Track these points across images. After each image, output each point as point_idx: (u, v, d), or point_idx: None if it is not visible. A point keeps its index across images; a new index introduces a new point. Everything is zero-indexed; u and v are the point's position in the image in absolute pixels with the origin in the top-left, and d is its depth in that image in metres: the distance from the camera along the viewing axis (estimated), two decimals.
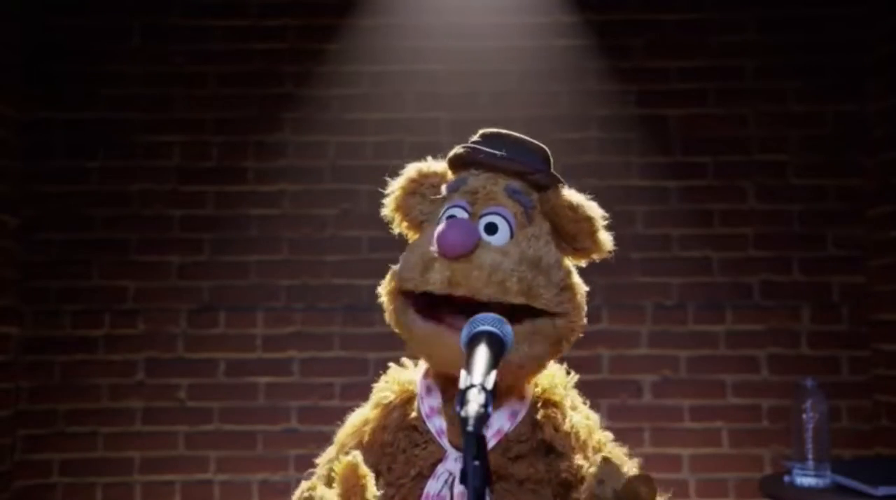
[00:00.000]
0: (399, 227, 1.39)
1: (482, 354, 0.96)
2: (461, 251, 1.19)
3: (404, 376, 1.38)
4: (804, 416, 2.33)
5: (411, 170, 1.38)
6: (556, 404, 1.29)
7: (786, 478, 2.35)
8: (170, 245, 3.07)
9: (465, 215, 1.26)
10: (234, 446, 2.99)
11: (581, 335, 1.32)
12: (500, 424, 1.25)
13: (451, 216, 1.27)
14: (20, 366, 3.00)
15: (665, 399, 3.00)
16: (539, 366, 1.29)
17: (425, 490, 1.23)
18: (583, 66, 3.10)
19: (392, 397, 1.35)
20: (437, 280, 1.20)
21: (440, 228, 1.22)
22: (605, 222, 1.30)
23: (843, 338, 3.00)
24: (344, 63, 3.10)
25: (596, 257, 1.32)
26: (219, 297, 3.06)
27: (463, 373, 0.92)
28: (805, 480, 2.29)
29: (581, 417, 1.30)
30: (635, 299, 3.03)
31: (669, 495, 1.29)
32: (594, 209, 1.29)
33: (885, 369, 2.91)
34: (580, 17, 3.08)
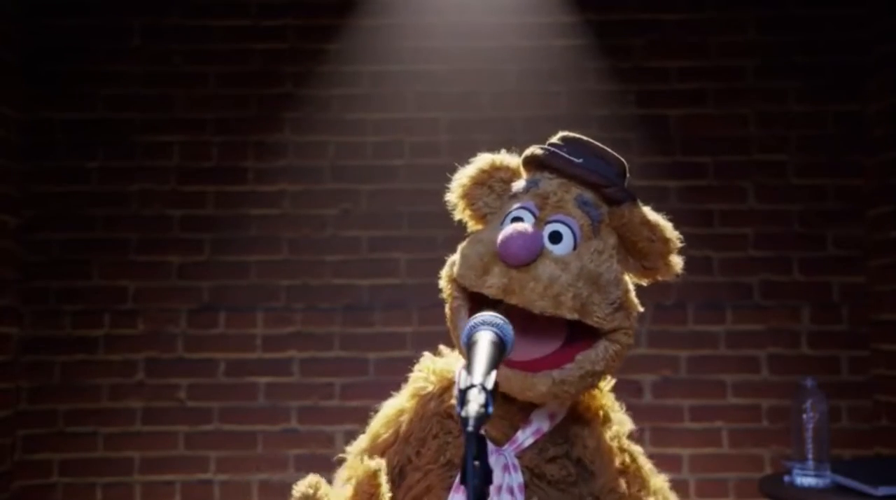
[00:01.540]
0: (461, 214, 1.36)
1: (482, 354, 0.96)
2: (523, 261, 1.17)
3: (440, 365, 1.36)
4: (804, 416, 2.33)
5: (484, 160, 1.35)
6: (588, 422, 1.28)
7: (786, 478, 2.35)
8: (170, 245, 3.07)
9: (532, 219, 1.24)
10: (234, 446, 2.99)
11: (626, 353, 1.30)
12: (540, 424, 1.24)
13: (517, 218, 1.25)
14: (20, 366, 3.00)
15: (665, 399, 3.00)
16: (594, 386, 1.28)
17: (456, 481, 1.21)
18: (583, 66, 3.10)
19: (430, 387, 1.33)
20: (494, 284, 1.18)
21: (506, 231, 1.19)
22: (681, 245, 1.27)
23: (843, 338, 3.01)
24: (344, 63, 3.10)
25: (661, 278, 1.29)
26: (219, 297, 3.06)
27: (463, 373, 0.92)
28: (805, 480, 2.29)
29: (609, 433, 1.29)
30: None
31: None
32: (671, 231, 1.26)
33: (885, 369, 2.91)
34: (580, 17, 3.08)
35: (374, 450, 1.33)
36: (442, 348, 1.41)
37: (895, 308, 2.87)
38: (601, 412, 1.31)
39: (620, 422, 1.33)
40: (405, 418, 1.32)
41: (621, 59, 3.10)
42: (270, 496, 2.94)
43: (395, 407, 1.36)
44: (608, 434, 1.28)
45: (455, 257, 1.29)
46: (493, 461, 1.21)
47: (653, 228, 1.24)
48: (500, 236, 1.19)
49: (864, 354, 2.99)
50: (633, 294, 1.29)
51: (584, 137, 1.32)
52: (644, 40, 3.12)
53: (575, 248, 1.23)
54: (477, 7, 3.12)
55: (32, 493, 2.96)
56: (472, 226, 1.36)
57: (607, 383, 1.35)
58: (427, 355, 1.40)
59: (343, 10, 3.09)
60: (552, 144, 1.32)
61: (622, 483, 1.23)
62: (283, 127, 3.10)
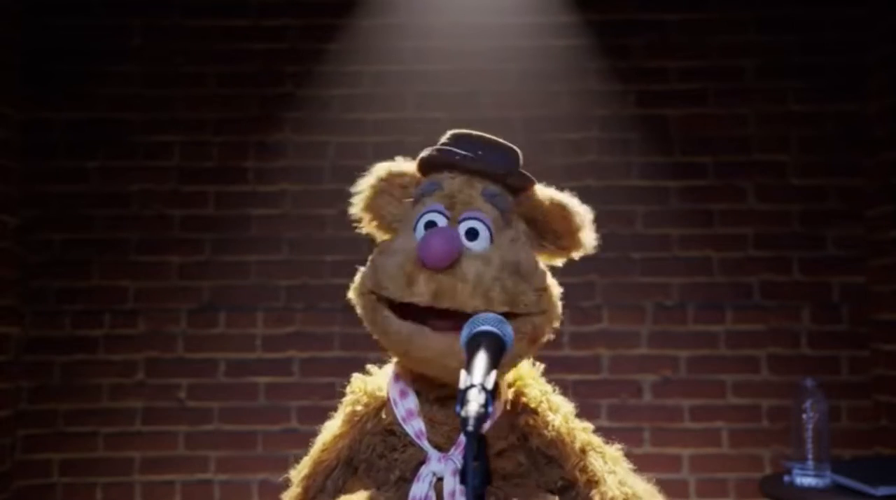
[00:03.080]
0: (368, 227, 1.37)
1: (482, 354, 0.96)
2: (447, 264, 1.17)
3: (371, 385, 1.36)
4: (804, 416, 2.33)
5: (381, 169, 1.36)
6: (535, 411, 1.29)
7: (786, 478, 2.35)
8: (170, 245, 3.07)
9: (445, 221, 1.24)
10: (234, 446, 2.99)
11: (552, 336, 1.30)
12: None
13: (431, 222, 1.25)
14: (20, 366, 3.00)
15: (665, 399, 3.00)
16: (515, 365, 1.29)
17: (410, 494, 1.21)
18: (583, 66, 3.10)
19: (362, 409, 1.33)
20: (422, 292, 1.18)
21: (424, 238, 1.19)
22: (592, 218, 1.30)
23: (843, 338, 3.01)
24: (344, 63, 3.10)
25: (576, 254, 1.31)
26: (219, 297, 3.06)
27: (463, 373, 0.92)
28: (805, 480, 2.29)
29: (560, 418, 1.29)
30: (635, 299, 3.03)
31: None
32: (580, 206, 1.29)
33: (885, 369, 2.91)
34: (580, 17, 3.08)
35: (316, 476, 1.34)
36: (370, 367, 1.41)
37: (895, 308, 2.87)
38: (545, 400, 1.31)
39: (563, 404, 1.34)
40: (344, 443, 1.33)
41: (621, 59, 3.10)
42: (270, 496, 2.94)
43: (333, 432, 1.36)
44: (559, 418, 1.29)
45: (365, 270, 1.28)
46: (443, 467, 1.21)
47: (563, 206, 1.27)
48: (420, 243, 1.19)
49: (864, 354, 2.99)
50: (550, 277, 1.31)
51: (474, 132, 1.32)
52: (644, 40, 3.12)
53: (492, 241, 1.24)
54: (477, 7, 3.12)
55: (32, 493, 2.96)
56: (380, 236, 1.36)
57: (538, 370, 1.36)
58: (357, 375, 1.40)
59: (343, 10, 3.09)
60: (444, 144, 1.32)
61: (591, 461, 1.27)
62: (284, 127, 3.10)
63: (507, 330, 1.05)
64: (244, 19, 3.14)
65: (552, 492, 1.25)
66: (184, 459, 2.99)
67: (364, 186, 1.35)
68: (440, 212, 1.25)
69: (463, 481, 0.85)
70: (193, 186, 3.09)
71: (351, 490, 1.27)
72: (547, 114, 3.06)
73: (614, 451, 1.35)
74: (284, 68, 3.11)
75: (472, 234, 1.23)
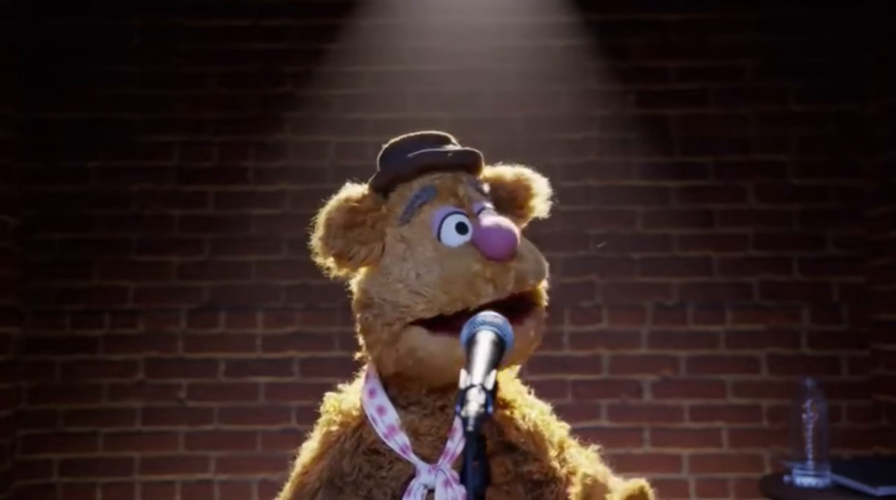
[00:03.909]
0: (343, 269, 1.31)
1: (482, 353, 0.96)
2: (515, 247, 1.18)
3: (345, 404, 1.34)
4: (804, 416, 2.33)
5: (343, 203, 1.30)
6: (509, 404, 1.27)
7: (786, 478, 2.35)
8: (170, 245, 3.07)
9: (466, 219, 1.23)
10: (234, 446, 2.99)
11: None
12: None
13: (461, 224, 1.22)
14: (20, 366, 3.00)
15: (665, 399, 3.00)
16: (521, 360, 1.29)
17: None
18: (583, 66, 3.10)
19: (337, 429, 1.31)
20: (506, 283, 1.16)
21: (485, 235, 1.17)
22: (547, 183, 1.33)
23: (843, 338, 3.01)
24: (344, 63, 3.10)
25: (531, 217, 1.35)
26: (219, 297, 3.06)
27: (463, 373, 0.92)
28: (805, 480, 2.29)
29: (536, 413, 1.29)
30: (635, 299, 3.03)
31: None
32: (534, 173, 1.33)
33: (885, 369, 2.91)
34: (580, 17, 3.08)
35: (300, 499, 1.32)
36: (342, 386, 1.40)
37: (895, 308, 2.87)
38: (519, 396, 1.31)
39: (537, 404, 1.33)
40: (323, 464, 1.29)
41: (621, 59, 3.10)
42: (270, 496, 2.94)
43: (312, 454, 1.34)
44: (535, 412, 1.29)
45: (379, 297, 1.22)
46: (433, 479, 1.20)
47: (518, 175, 1.32)
48: (486, 241, 1.17)
49: (863, 354, 2.99)
50: None
51: (408, 135, 1.33)
52: (644, 40, 3.12)
53: None
54: (477, 7, 3.12)
55: (32, 493, 2.96)
56: (354, 271, 1.31)
57: (513, 371, 1.34)
58: (329, 394, 1.38)
59: (343, 10, 3.09)
60: (393, 151, 1.34)
61: (570, 454, 1.27)
62: (284, 127, 3.10)
63: (508, 330, 1.04)
64: (244, 19, 3.13)
65: (528, 487, 1.23)
66: (184, 459, 2.99)
67: (332, 231, 1.28)
68: (459, 212, 1.23)
69: (463, 481, 0.84)
70: (193, 186, 3.09)
71: None
72: (547, 114, 3.06)
73: (591, 452, 1.32)
74: (284, 68, 3.11)
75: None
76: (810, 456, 2.31)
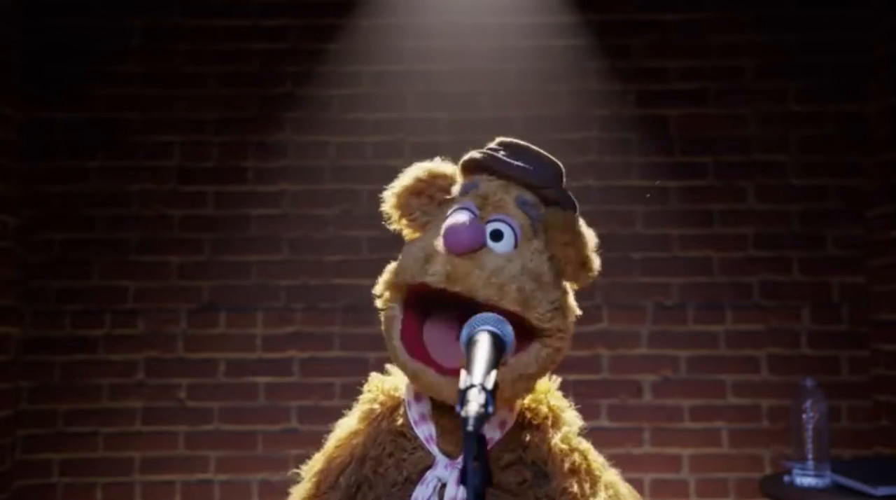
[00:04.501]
0: (398, 224, 1.36)
1: (482, 354, 0.96)
2: (467, 247, 1.17)
3: (388, 384, 1.36)
4: (804, 416, 2.33)
5: (420, 169, 1.34)
6: (537, 427, 1.27)
7: (786, 478, 2.35)
8: (170, 245, 3.07)
9: (473, 217, 1.23)
10: (234, 446, 2.99)
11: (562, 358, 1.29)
12: (491, 433, 1.23)
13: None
14: (20, 366, 3.00)
15: (665, 399, 3.00)
16: (530, 387, 1.27)
17: (413, 496, 1.21)
18: (583, 66, 3.10)
19: (379, 408, 1.33)
20: (437, 272, 1.18)
21: (449, 220, 1.20)
22: (597, 252, 1.27)
23: (843, 338, 3.00)
24: (344, 63, 3.10)
25: (578, 285, 1.29)
26: (219, 297, 3.06)
27: (463, 373, 0.92)
28: (805, 480, 2.29)
29: (559, 437, 1.27)
30: (635, 299, 3.03)
31: None
32: (587, 240, 1.26)
33: (885, 369, 2.91)
34: (580, 17, 3.08)
35: (329, 472, 1.33)
36: (389, 366, 1.40)
37: (895, 308, 2.87)
38: (550, 416, 1.29)
39: (570, 422, 1.31)
40: (359, 440, 1.32)
41: (621, 59, 3.10)
42: (270, 496, 2.94)
43: (348, 429, 1.36)
44: (558, 437, 1.27)
45: (392, 265, 1.29)
46: (448, 474, 1.21)
47: (573, 233, 1.25)
48: (445, 225, 1.19)
49: (863, 354, 2.99)
50: (571, 297, 1.29)
51: (522, 142, 1.32)
52: (644, 40, 3.12)
53: (515, 247, 1.23)
54: (477, 7, 3.12)
55: (32, 493, 2.96)
56: (410, 235, 1.35)
57: (554, 383, 1.34)
58: (374, 375, 1.40)
59: (343, 10, 3.09)
60: (490, 149, 1.33)
61: (574, 483, 1.23)
62: (284, 127, 3.10)
63: (508, 330, 1.04)
64: (244, 19, 3.13)
65: None
66: (184, 459, 2.99)
67: (400, 183, 1.34)
68: (470, 210, 1.24)
69: (463, 481, 0.84)
70: (193, 186, 3.09)
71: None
72: (547, 114, 3.06)
73: (612, 475, 1.30)
74: (284, 68, 3.11)
75: (497, 235, 1.23)
76: (810, 456, 2.31)
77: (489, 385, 0.89)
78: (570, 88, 3.10)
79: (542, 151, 1.32)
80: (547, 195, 1.28)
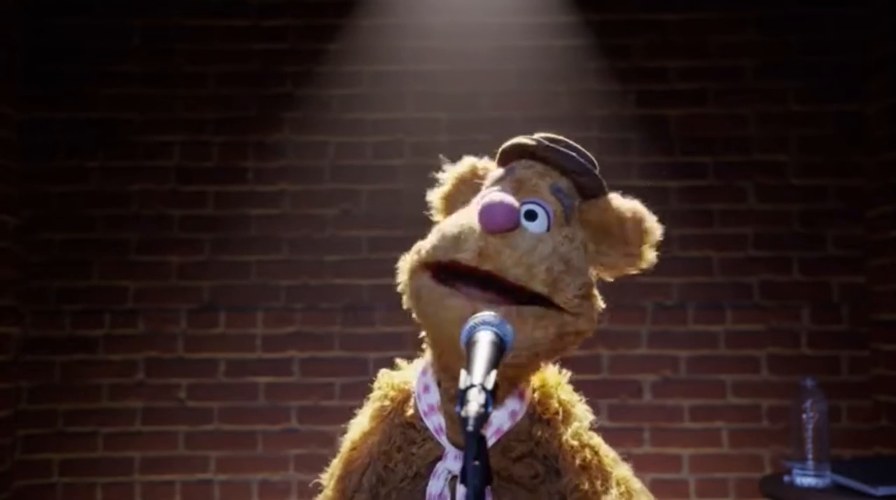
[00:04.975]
0: (440, 215, 1.38)
1: (482, 353, 0.96)
2: (502, 226, 1.17)
3: (398, 378, 1.36)
4: (804, 416, 2.33)
5: (467, 163, 1.38)
6: (548, 422, 1.27)
7: (786, 478, 2.35)
8: (170, 245, 3.07)
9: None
10: (234, 446, 2.99)
11: (579, 342, 1.30)
12: (500, 423, 1.23)
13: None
14: (20, 366, 3.00)
15: (665, 399, 3.00)
16: (536, 356, 1.26)
17: (427, 490, 1.21)
18: (583, 66, 3.10)
19: (389, 404, 1.33)
20: (469, 249, 1.17)
21: (486, 199, 1.20)
22: (659, 236, 1.32)
23: (843, 338, 3.01)
24: (344, 63, 3.10)
25: (633, 270, 1.33)
26: (219, 297, 3.06)
27: (463, 373, 0.92)
28: (805, 480, 2.29)
29: (570, 432, 1.27)
30: (635, 299, 3.03)
31: None
32: (651, 220, 1.32)
33: (885, 369, 2.91)
34: (580, 17, 3.08)
35: (351, 475, 1.32)
36: (398, 361, 1.41)
37: (895, 308, 2.87)
38: (561, 411, 1.29)
39: (581, 417, 1.31)
40: (374, 439, 1.32)
41: (621, 59, 3.10)
42: (270, 496, 2.94)
43: (361, 430, 1.35)
44: (569, 432, 1.27)
45: (422, 243, 1.27)
46: (457, 465, 1.20)
47: (630, 216, 1.29)
48: (481, 205, 1.19)
49: (864, 354, 2.99)
50: (596, 289, 1.31)
51: (560, 136, 1.33)
52: (644, 40, 3.12)
53: (548, 229, 1.24)
54: (477, 7, 3.12)
55: (32, 493, 2.96)
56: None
57: (564, 377, 1.35)
58: (384, 371, 1.39)
59: (343, 10, 3.09)
60: (532, 138, 1.33)
61: (585, 480, 1.22)
62: (283, 127, 3.10)
63: (508, 330, 1.04)
64: (244, 19, 3.14)
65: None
66: (184, 459, 2.99)
67: (450, 173, 1.38)
68: (503, 191, 1.24)
69: (463, 481, 0.85)
70: (193, 186, 3.09)
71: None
72: (547, 114, 3.06)
73: (624, 471, 1.30)
74: (284, 68, 3.12)
75: (532, 215, 1.23)
76: (810, 456, 2.31)
77: (489, 385, 0.89)
78: (570, 88, 3.10)
79: (575, 144, 1.34)
80: (584, 183, 1.30)
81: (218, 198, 3.09)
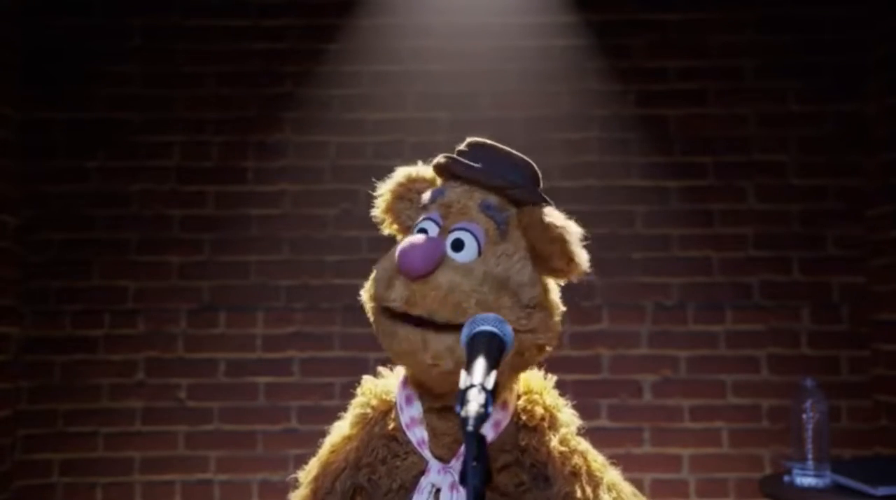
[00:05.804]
0: (389, 228, 1.39)
1: (482, 354, 0.96)
2: (421, 273, 1.18)
3: (381, 387, 1.36)
4: (804, 416, 2.33)
5: (400, 174, 1.36)
6: (534, 429, 1.26)
7: (786, 478, 2.35)
8: (170, 245, 3.07)
9: (437, 229, 1.24)
10: (234, 446, 2.99)
11: (548, 353, 1.28)
12: (486, 433, 1.22)
13: (423, 230, 1.25)
14: (20, 366, 3.00)
15: (665, 399, 3.00)
16: (500, 376, 1.26)
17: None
18: (583, 66, 3.10)
19: (371, 412, 1.33)
20: (396, 298, 1.20)
21: (402, 245, 1.20)
22: (584, 243, 1.23)
23: (843, 338, 3.00)
24: (344, 63, 3.10)
25: (573, 278, 1.25)
26: (219, 297, 3.06)
27: (463, 373, 0.92)
28: (805, 480, 2.29)
29: (557, 439, 1.26)
30: (635, 299, 3.03)
31: None
32: (569, 230, 1.21)
33: (885, 369, 2.91)
34: (580, 17, 3.08)
35: (325, 477, 1.33)
36: (381, 369, 1.41)
37: (895, 308, 2.87)
38: (547, 418, 1.28)
39: (567, 422, 1.30)
40: (352, 445, 1.32)
41: (621, 59, 3.10)
42: (270, 496, 2.94)
43: (342, 434, 1.36)
44: (556, 439, 1.26)
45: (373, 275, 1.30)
46: (442, 479, 1.21)
47: (547, 227, 1.21)
48: (399, 251, 1.20)
49: (864, 354, 2.99)
50: (554, 294, 1.28)
51: (490, 142, 1.31)
52: (644, 40, 3.12)
53: (480, 253, 1.22)
54: (477, 7, 3.12)
55: (32, 493, 2.96)
56: (400, 238, 1.35)
57: (550, 381, 1.33)
58: (367, 378, 1.39)
59: (343, 10, 3.09)
60: (459, 152, 1.32)
61: (577, 488, 1.22)
62: (283, 127, 3.10)
63: (507, 330, 1.04)
64: (244, 19, 3.13)
65: None
66: (184, 459, 2.99)
67: (384, 189, 1.37)
68: (434, 221, 1.25)
69: (463, 481, 0.85)
70: (193, 186, 3.09)
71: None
72: (547, 114, 3.06)
73: (614, 475, 1.29)
74: (284, 68, 3.11)
75: (458, 245, 1.22)
76: (810, 456, 2.31)
77: (489, 385, 0.89)
78: (570, 88, 3.10)
79: (512, 150, 1.30)
80: (514, 195, 1.26)
81: (218, 198, 3.09)
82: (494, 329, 1.02)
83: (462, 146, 1.33)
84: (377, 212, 1.38)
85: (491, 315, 1.06)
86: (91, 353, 3.02)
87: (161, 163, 3.09)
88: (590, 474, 1.25)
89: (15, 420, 2.97)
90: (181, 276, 3.06)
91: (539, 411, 1.28)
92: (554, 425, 1.28)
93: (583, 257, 1.22)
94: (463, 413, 0.85)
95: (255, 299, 3.05)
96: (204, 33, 3.12)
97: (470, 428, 0.83)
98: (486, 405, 0.86)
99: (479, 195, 1.26)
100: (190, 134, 3.10)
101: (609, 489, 1.25)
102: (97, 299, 3.04)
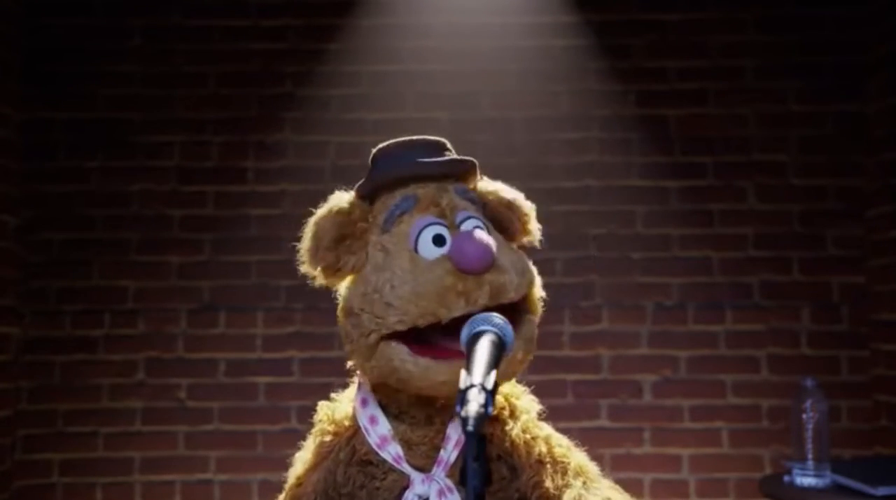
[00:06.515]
0: (329, 280, 1.32)
1: (483, 353, 0.96)
2: (491, 262, 1.15)
3: (338, 413, 1.33)
4: (804, 416, 2.33)
5: (332, 214, 1.30)
6: (495, 418, 1.25)
7: (786, 478, 2.35)
8: (170, 245, 3.07)
9: (446, 229, 1.21)
10: (234, 446, 2.99)
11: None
12: (458, 434, 1.20)
13: (439, 235, 1.21)
14: (20, 366, 3.00)
15: (665, 399, 3.00)
16: (515, 374, 1.26)
17: None
18: (583, 66, 3.10)
19: (331, 439, 1.30)
20: (479, 297, 1.13)
21: (459, 246, 1.15)
22: (534, 212, 1.31)
23: (843, 338, 3.01)
24: (344, 63, 3.10)
25: (525, 241, 1.32)
26: (219, 297, 3.06)
27: (463, 373, 0.92)
28: (805, 480, 2.29)
29: (518, 426, 1.25)
30: (635, 299, 3.03)
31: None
32: (515, 194, 1.31)
33: (885, 369, 2.91)
34: (580, 17, 3.08)
35: None
36: (334, 395, 1.40)
37: (895, 308, 2.87)
38: (507, 406, 1.28)
39: (527, 409, 1.29)
40: (318, 475, 1.28)
41: (621, 59, 3.10)
42: (270, 496, 2.94)
43: (304, 464, 1.34)
44: (518, 427, 1.25)
45: (363, 313, 1.22)
46: (427, 488, 1.19)
47: (510, 203, 1.29)
48: (460, 253, 1.15)
49: (863, 354, 2.99)
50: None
51: (398, 140, 1.30)
52: (644, 40, 3.12)
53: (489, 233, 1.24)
54: (477, 7, 3.12)
55: (32, 493, 2.96)
56: (338, 282, 1.31)
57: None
58: (323, 403, 1.38)
59: (343, 10, 3.09)
60: (377, 161, 1.32)
61: (545, 476, 1.20)
62: (283, 127, 3.10)
63: (508, 330, 1.04)
64: (244, 19, 3.13)
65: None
66: (184, 459, 2.99)
67: (319, 242, 1.28)
68: (438, 223, 1.22)
69: (462, 481, 0.84)
70: (193, 186, 3.09)
71: None
72: (547, 114, 3.06)
73: (579, 458, 1.26)
74: (284, 68, 3.11)
75: (480, 229, 1.23)
76: (810, 456, 2.31)
77: (489, 385, 0.89)
78: (570, 88, 3.10)
79: (420, 137, 1.30)
80: (463, 172, 1.30)
81: (218, 198, 3.09)
82: (495, 329, 1.02)
83: (377, 152, 1.32)
84: (314, 267, 1.30)
85: (491, 315, 1.06)
86: (91, 353, 3.02)
87: (161, 163, 3.09)
88: (555, 460, 1.23)
89: (15, 420, 2.97)
90: (181, 276, 3.06)
91: (499, 399, 1.27)
92: (514, 413, 1.27)
93: (533, 217, 1.31)
94: (463, 413, 0.85)
95: (255, 299, 3.05)
96: (204, 33, 3.12)
97: (470, 428, 0.83)
98: (486, 405, 0.86)
99: (448, 185, 1.27)
100: (190, 134, 3.10)
101: (577, 474, 1.23)
102: (97, 299, 3.04)
